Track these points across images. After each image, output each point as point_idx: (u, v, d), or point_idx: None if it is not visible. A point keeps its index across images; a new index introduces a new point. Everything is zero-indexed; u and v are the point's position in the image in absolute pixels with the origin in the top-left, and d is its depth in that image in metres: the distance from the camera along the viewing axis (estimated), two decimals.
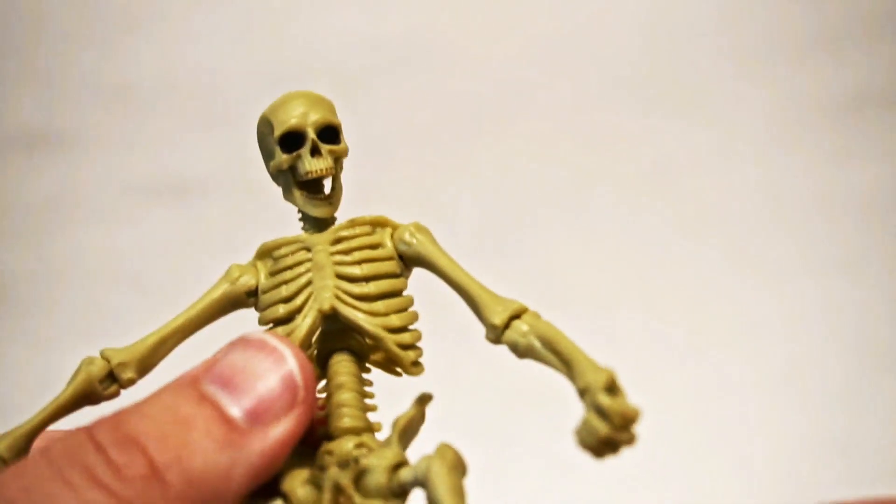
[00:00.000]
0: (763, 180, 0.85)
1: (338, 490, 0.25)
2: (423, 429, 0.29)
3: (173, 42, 0.88)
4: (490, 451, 0.70)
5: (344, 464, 0.26)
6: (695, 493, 0.67)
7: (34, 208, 0.86)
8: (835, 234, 0.81)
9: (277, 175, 0.31)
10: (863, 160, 0.84)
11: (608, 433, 0.24)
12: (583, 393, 0.25)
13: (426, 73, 0.88)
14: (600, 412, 0.24)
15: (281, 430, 0.24)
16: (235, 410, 0.24)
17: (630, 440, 0.24)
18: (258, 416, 0.24)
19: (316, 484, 0.25)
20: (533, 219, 0.83)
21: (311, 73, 0.88)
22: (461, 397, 0.71)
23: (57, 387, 0.29)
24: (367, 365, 0.30)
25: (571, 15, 0.89)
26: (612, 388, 0.24)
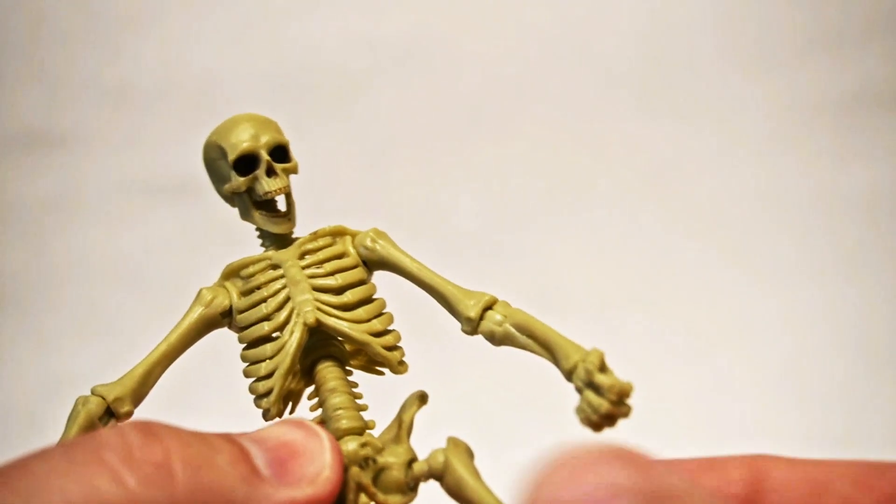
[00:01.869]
0: (763, 180, 0.85)
1: (359, 489, 0.27)
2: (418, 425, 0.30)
3: (173, 42, 0.88)
4: (486, 449, 0.70)
5: (363, 464, 0.27)
6: None
7: (34, 208, 0.86)
8: (835, 234, 0.81)
9: (232, 197, 0.31)
10: (863, 160, 0.84)
11: (609, 408, 0.25)
12: (570, 373, 0.27)
13: (426, 73, 0.88)
14: (597, 390, 0.25)
15: (303, 493, 0.25)
16: (259, 458, 0.25)
17: (627, 412, 0.26)
18: (281, 472, 0.25)
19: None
20: (532, 219, 0.83)
21: (311, 73, 0.88)
22: (452, 397, 0.71)
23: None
24: (349, 368, 0.31)
25: (571, 15, 0.89)
26: (604, 367, 0.26)
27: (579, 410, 0.26)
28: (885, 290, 0.78)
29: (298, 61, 0.88)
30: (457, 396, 0.69)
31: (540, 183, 0.85)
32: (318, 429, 0.26)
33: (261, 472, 0.24)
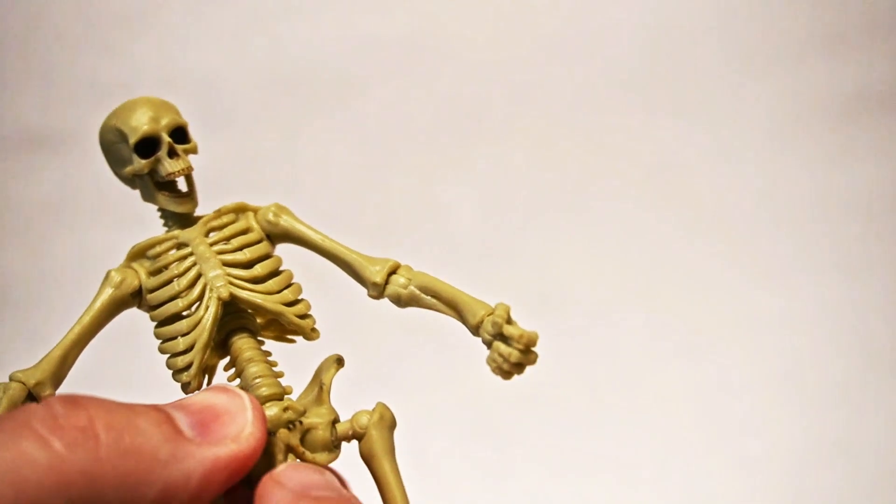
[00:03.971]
0: (763, 180, 0.85)
1: (288, 449, 0.28)
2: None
3: (173, 42, 0.88)
4: (487, 449, 0.71)
5: (290, 426, 0.28)
6: (695, 493, 0.67)
7: (34, 208, 0.86)
8: (835, 234, 0.81)
9: (133, 179, 0.32)
10: (863, 160, 0.84)
11: (519, 357, 0.27)
12: (477, 328, 0.28)
13: (426, 73, 0.88)
14: (506, 340, 0.27)
15: (227, 449, 0.25)
16: (182, 421, 0.26)
17: (535, 360, 0.27)
18: (205, 432, 0.26)
19: (267, 450, 0.28)
20: (533, 219, 0.83)
21: (311, 73, 0.88)
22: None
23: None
24: (260, 339, 0.32)
25: (572, 15, 0.89)
26: (510, 320, 0.28)
27: (490, 360, 0.28)
28: (885, 290, 0.78)
29: (298, 61, 0.88)
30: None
31: (540, 182, 0.85)
32: (240, 391, 0.27)
33: (184, 434, 0.25)
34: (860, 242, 0.81)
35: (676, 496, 0.67)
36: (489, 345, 0.28)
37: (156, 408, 0.25)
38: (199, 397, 0.27)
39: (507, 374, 0.28)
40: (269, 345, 0.32)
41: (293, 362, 0.32)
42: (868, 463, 0.68)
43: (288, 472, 0.27)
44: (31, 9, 0.89)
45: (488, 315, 0.28)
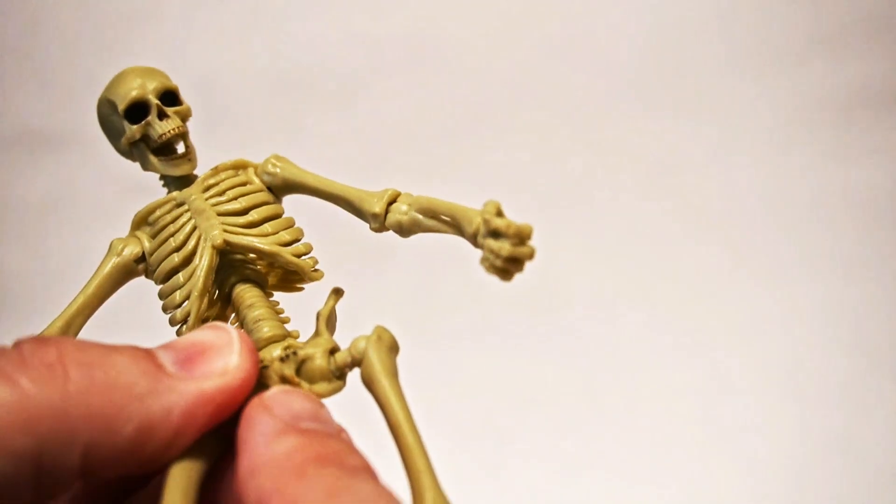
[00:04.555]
0: (764, 179, 0.85)
1: (284, 381, 0.27)
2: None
3: (173, 42, 0.88)
4: (489, 449, 0.70)
5: (284, 357, 0.27)
6: (695, 492, 0.67)
7: (34, 208, 0.86)
8: (835, 233, 0.81)
9: (131, 150, 0.32)
10: (863, 160, 0.84)
11: (510, 250, 0.25)
12: (475, 236, 0.26)
13: (426, 73, 0.88)
14: (497, 236, 0.26)
15: (212, 384, 0.24)
16: (165, 357, 0.25)
17: (531, 253, 0.26)
18: (189, 368, 0.25)
19: (262, 384, 0.27)
20: (533, 218, 0.83)
21: (311, 73, 0.88)
22: (458, 398, 0.71)
23: None
24: (268, 292, 0.31)
25: (573, 16, 0.89)
26: (500, 213, 0.26)
27: (483, 260, 0.26)
28: (885, 290, 0.78)
29: (298, 61, 0.88)
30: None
31: (540, 182, 0.85)
32: (228, 326, 0.26)
33: (166, 368, 0.24)
34: (860, 242, 0.81)
35: (676, 495, 0.67)
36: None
37: (135, 346, 0.25)
38: (187, 336, 0.26)
39: (502, 273, 0.26)
40: (281, 299, 0.31)
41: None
42: (868, 463, 0.68)
43: (279, 397, 0.25)
44: (31, 9, 0.89)
45: (480, 216, 0.27)
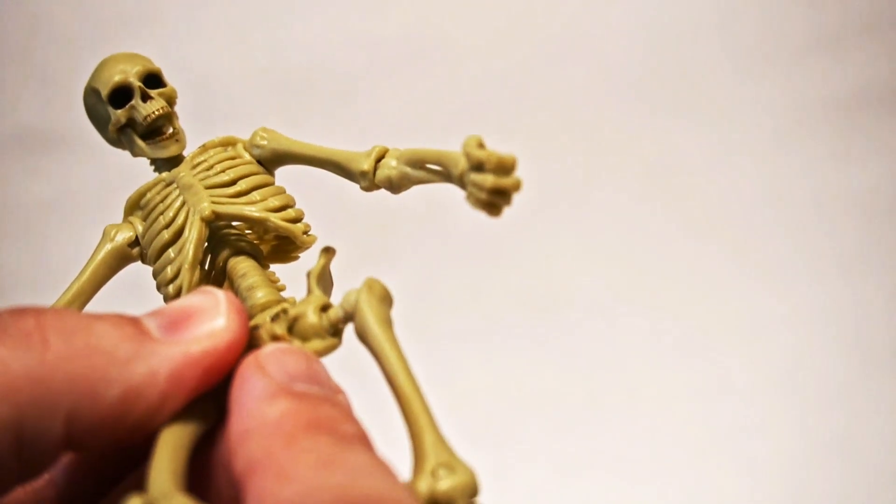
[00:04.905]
0: (763, 179, 0.85)
1: (275, 340, 0.26)
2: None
3: (173, 42, 0.88)
4: (493, 451, 0.70)
5: (275, 316, 0.27)
6: (695, 493, 0.67)
7: (34, 208, 0.86)
8: (835, 234, 0.81)
9: (119, 136, 0.32)
10: (863, 160, 0.84)
11: (493, 181, 0.25)
12: (461, 176, 0.26)
13: (426, 73, 0.88)
14: (480, 168, 0.25)
15: (199, 346, 0.24)
16: (151, 323, 0.24)
17: (516, 184, 0.25)
18: (174, 331, 0.24)
19: (253, 345, 0.26)
20: (533, 218, 0.83)
21: (311, 73, 0.88)
22: (465, 401, 0.71)
23: None
24: (264, 264, 0.31)
25: (573, 15, 0.89)
26: (482, 145, 0.25)
27: (468, 196, 0.25)
28: (885, 290, 0.78)
29: (298, 61, 0.88)
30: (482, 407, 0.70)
31: (540, 182, 0.85)
32: (216, 289, 0.26)
33: (150, 333, 0.24)
34: (860, 242, 0.81)
35: (676, 496, 0.67)
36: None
37: (121, 314, 0.24)
38: (174, 302, 0.25)
39: (489, 207, 0.25)
40: (278, 270, 0.31)
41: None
42: (868, 463, 0.68)
43: (275, 355, 0.24)
44: (31, 9, 0.89)
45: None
